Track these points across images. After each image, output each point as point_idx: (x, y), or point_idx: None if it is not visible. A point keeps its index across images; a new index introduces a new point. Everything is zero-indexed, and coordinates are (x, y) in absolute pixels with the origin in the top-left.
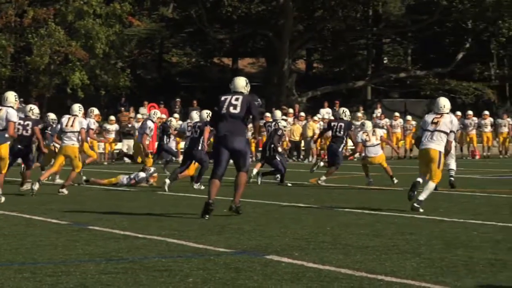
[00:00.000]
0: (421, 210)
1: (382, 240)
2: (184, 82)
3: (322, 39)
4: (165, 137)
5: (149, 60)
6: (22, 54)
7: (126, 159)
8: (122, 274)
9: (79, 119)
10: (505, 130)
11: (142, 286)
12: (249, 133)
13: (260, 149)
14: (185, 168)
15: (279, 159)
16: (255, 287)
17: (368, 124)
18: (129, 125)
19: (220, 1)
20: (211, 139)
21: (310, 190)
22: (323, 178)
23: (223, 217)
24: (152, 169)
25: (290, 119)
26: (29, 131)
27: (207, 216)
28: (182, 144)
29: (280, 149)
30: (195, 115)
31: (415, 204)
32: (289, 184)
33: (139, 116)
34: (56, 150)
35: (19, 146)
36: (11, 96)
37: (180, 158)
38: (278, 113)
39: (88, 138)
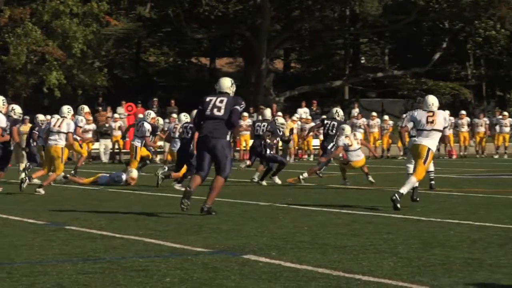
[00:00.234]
0: (398, 206)
1: (359, 240)
2: (162, 82)
3: (300, 38)
4: (151, 137)
5: (127, 59)
6: None
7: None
8: (99, 274)
9: (67, 121)
10: (481, 130)
11: (119, 286)
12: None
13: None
14: (180, 168)
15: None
16: (232, 286)
17: (347, 128)
18: (107, 125)
19: (198, 0)
20: None
21: (287, 189)
22: (305, 175)
23: (200, 216)
24: (134, 170)
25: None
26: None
27: (187, 201)
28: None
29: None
30: (183, 117)
31: (396, 197)
32: (265, 183)
33: (116, 115)
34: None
35: None
36: None
37: (157, 158)
38: (267, 112)
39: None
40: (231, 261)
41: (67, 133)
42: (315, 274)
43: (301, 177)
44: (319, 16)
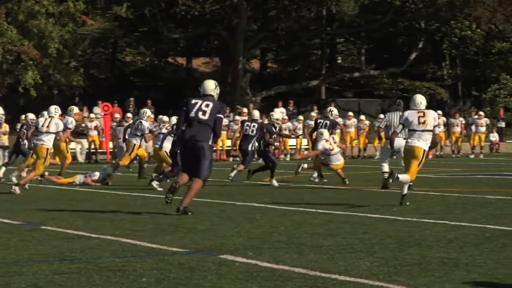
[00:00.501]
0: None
1: (336, 239)
2: (138, 82)
3: (276, 38)
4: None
5: (103, 59)
6: None
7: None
8: (75, 274)
9: (55, 121)
10: (457, 129)
11: (96, 286)
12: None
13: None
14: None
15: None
16: (209, 286)
17: (326, 133)
18: (83, 125)
19: (174, 0)
20: None
21: (264, 189)
22: (305, 166)
23: (177, 216)
24: (111, 169)
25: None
26: None
27: (171, 195)
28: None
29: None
30: (173, 118)
31: (389, 181)
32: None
33: (92, 115)
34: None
35: None
36: None
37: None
38: (256, 113)
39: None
40: (208, 261)
41: (57, 133)
42: (292, 274)
43: (312, 178)
44: (296, 16)
